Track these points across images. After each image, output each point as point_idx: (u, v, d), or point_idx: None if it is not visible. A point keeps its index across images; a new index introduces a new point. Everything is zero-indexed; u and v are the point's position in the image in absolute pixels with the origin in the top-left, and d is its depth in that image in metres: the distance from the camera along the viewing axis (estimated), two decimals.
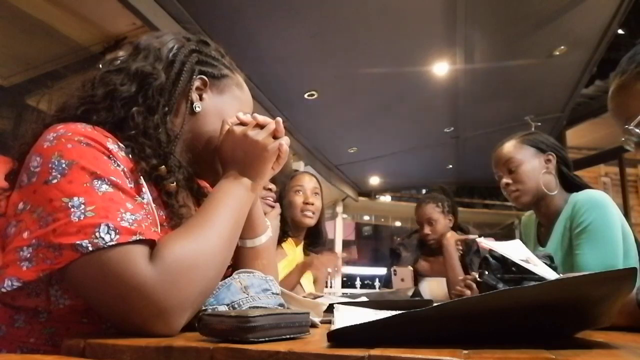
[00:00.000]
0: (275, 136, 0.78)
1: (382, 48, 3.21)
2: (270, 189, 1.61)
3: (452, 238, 2.22)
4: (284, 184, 1.94)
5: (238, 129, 0.78)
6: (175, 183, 0.74)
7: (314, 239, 2.05)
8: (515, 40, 3.25)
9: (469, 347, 0.45)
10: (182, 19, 2.65)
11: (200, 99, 0.81)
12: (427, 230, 2.29)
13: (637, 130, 0.87)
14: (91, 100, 0.73)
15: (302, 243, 2.02)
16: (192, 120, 0.80)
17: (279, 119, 0.79)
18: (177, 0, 2.55)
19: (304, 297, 0.96)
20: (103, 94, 0.73)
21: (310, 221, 1.94)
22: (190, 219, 0.70)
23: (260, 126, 0.78)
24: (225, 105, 0.84)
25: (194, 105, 0.79)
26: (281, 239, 1.86)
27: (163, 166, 0.72)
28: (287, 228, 1.90)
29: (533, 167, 1.48)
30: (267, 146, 0.77)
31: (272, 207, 1.57)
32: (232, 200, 0.73)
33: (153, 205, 0.70)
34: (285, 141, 0.79)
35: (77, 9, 2.44)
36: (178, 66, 0.78)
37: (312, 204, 1.93)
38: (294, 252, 1.94)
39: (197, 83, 0.80)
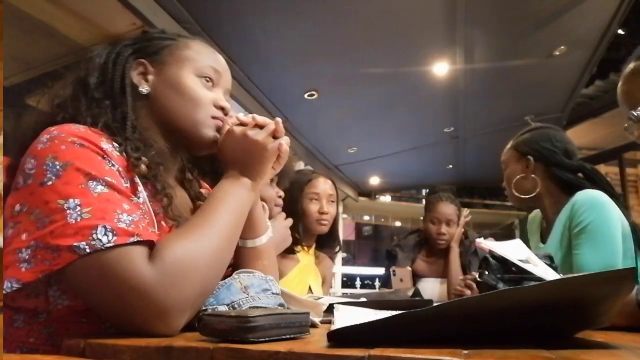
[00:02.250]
0: (275, 136, 0.78)
1: (382, 48, 3.20)
2: (280, 196, 1.57)
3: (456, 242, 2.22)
4: (300, 187, 1.86)
5: (238, 129, 0.78)
6: (161, 166, 0.75)
7: (329, 245, 1.99)
8: (515, 40, 3.25)
9: (469, 347, 0.45)
10: (182, 19, 2.64)
11: (146, 80, 0.81)
12: (444, 229, 2.24)
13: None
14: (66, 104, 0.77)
15: (313, 247, 1.95)
16: (148, 102, 0.80)
17: (278, 119, 0.79)
18: (177, 0, 2.55)
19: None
20: (74, 97, 0.77)
21: (325, 229, 1.87)
22: (191, 219, 0.70)
23: (260, 126, 0.78)
24: (176, 72, 0.81)
25: (139, 90, 0.79)
26: (293, 246, 1.72)
27: (144, 158, 0.72)
28: (299, 235, 1.79)
29: (513, 171, 1.49)
30: (266, 146, 0.77)
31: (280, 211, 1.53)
32: (233, 200, 0.73)
33: (149, 203, 0.70)
34: (285, 141, 0.79)
35: (77, 9, 2.43)
36: (110, 66, 0.80)
37: (327, 213, 1.85)
38: (306, 258, 1.87)
39: (138, 69, 0.81)
